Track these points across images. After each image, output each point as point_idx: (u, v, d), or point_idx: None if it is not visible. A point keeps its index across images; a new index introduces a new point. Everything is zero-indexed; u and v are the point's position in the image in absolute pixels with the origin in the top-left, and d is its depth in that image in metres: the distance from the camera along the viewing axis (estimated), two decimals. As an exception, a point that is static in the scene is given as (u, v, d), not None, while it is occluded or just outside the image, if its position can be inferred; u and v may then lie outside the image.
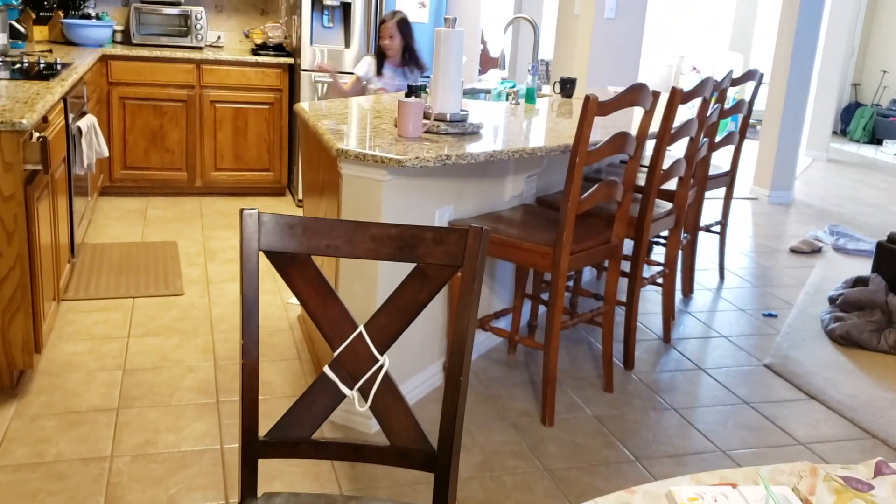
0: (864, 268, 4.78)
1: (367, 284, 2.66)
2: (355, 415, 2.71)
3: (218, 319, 3.53)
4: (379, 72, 4.53)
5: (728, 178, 4.39)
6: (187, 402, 2.82)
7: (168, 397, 2.83)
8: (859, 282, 4.08)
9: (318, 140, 2.85)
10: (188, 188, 5.42)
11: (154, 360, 3.10)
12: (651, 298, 4.15)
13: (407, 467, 1.51)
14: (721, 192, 4.49)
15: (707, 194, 4.22)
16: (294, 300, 3.78)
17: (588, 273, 4.39)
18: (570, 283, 3.74)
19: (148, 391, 2.87)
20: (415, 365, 2.95)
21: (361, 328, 1.53)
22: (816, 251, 5.21)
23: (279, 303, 3.75)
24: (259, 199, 5.52)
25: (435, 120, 2.90)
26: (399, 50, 4.49)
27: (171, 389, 2.89)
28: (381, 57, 4.55)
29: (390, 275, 2.63)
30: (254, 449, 1.51)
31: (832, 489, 1.08)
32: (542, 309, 3.71)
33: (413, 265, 1.51)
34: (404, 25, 4.49)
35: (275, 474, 2.42)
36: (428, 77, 5.29)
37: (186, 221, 4.89)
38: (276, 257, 1.51)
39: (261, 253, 1.49)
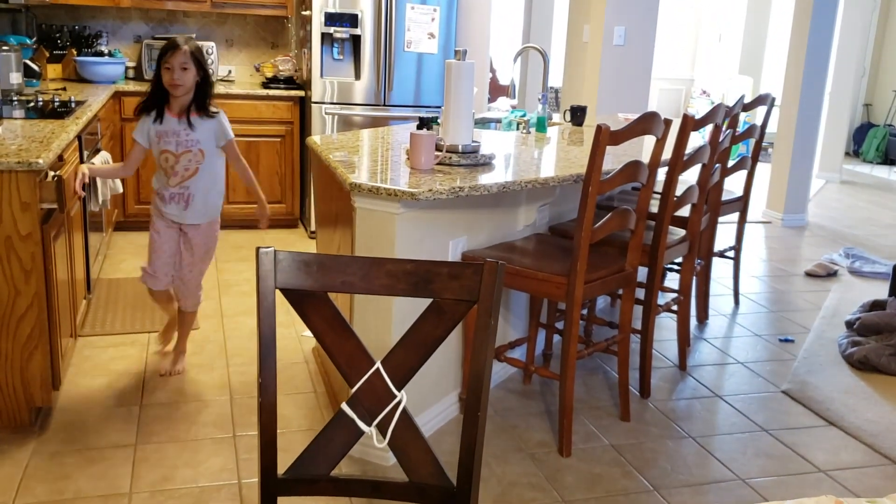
0: (880, 291, 4.74)
1: (381, 319, 2.67)
2: (372, 448, 2.70)
3: (233, 353, 3.54)
4: (158, 118, 3.07)
5: (741, 203, 4.38)
6: (204, 437, 2.82)
7: (185, 432, 2.83)
8: (876, 305, 4.06)
9: (331, 173, 2.87)
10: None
11: (170, 395, 3.11)
12: (666, 325, 4.13)
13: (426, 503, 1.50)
14: (734, 216, 4.49)
15: (720, 219, 4.22)
16: (308, 333, 3.78)
17: (602, 301, 4.38)
18: (585, 312, 3.74)
19: (165, 426, 2.87)
20: (430, 397, 2.94)
21: (378, 364, 1.54)
22: (832, 274, 5.18)
23: (293, 335, 3.76)
24: (271, 231, 5.54)
25: (447, 151, 2.92)
26: (191, 89, 3.04)
27: (188, 424, 2.89)
28: (162, 100, 3.07)
29: (405, 309, 2.64)
30: (273, 487, 1.51)
31: (857, 525, 1.07)
32: (556, 338, 3.69)
33: (429, 300, 1.52)
34: (201, 56, 3.07)
35: (292, 509, 2.41)
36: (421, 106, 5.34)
37: (201, 254, 4.91)
38: (292, 294, 1.52)
39: (277, 290, 1.50)
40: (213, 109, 3.12)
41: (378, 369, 1.54)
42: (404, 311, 2.64)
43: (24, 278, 2.62)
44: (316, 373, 3.40)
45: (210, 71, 3.12)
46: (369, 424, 1.53)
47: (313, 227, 5.36)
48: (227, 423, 2.92)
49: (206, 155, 3.12)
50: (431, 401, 2.95)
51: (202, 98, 3.09)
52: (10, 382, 2.69)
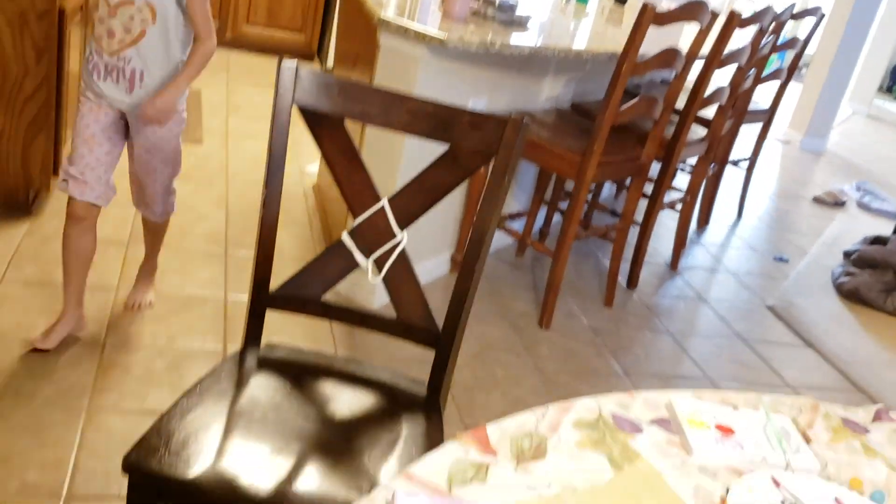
0: (884, 227, 4.74)
1: (391, 159, 2.63)
2: (360, 287, 2.74)
3: (234, 173, 3.52)
4: None
5: (767, 115, 4.29)
6: (196, 249, 2.83)
7: (178, 241, 2.84)
8: (878, 241, 4.05)
9: (359, 7, 2.77)
10: (217, 38, 5.31)
11: (167, 204, 3.10)
12: (665, 224, 4.13)
13: (411, 341, 1.52)
14: (754, 128, 4.40)
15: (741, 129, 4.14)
16: (312, 168, 3.76)
17: (607, 190, 4.35)
18: (589, 196, 3.72)
19: (158, 232, 2.88)
20: (423, 252, 2.95)
21: (385, 201, 1.52)
22: (839, 204, 5.15)
23: (296, 169, 3.73)
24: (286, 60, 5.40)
25: (484, 3, 2.81)
26: None
27: (182, 234, 2.90)
28: None
29: (415, 154, 2.60)
30: (264, 300, 1.52)
31: (830, 427, 1.09)
32: (556, 218, 3.69)
33: (444, 148, 1.49)
34: None
35: (273, 330, 2.44)
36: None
37: (212, 72, 4.81)
38: (308, 115, 1.48)
39: (294, 107, 1.46)
40: None
41: (383, 206, 1.52)
42: (414, 156, 2.60)
43: (36, 58, 2.55)
44: (314, 209, 3.39)
45: None
46: (367, 258, 1.53)
47: (330, 64, 5.23)
48: (221, 240, 2.94)
49: (157, 15, 1.99)
50: (423, 256, 2.96)
51: None
52: (10, 161, 2.67)
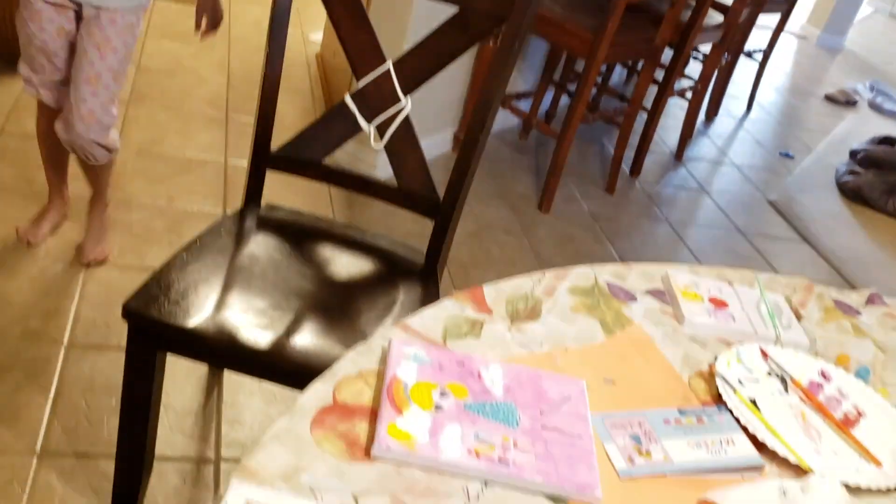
0: (895, 129, 4.67)
1: (398, 23, 2.56)
2: (361, 161, 2.72)
3: (236, 38, 3.43)
4: None
5: (786, 6, 4.16)
6: (197, 112, 2.80)
7: (179, 103, 2.81)
8: (886, 141, 4.01)
9: None
10: None
11: (168, 64, 3.04)
12: (673, 113, 4.07)
13: (411, 210, 1.52)
14: (772, 20, 4.27)
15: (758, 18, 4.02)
16: (315, 36, 3.67)
17: (617, 77, 4.27)
18: (599, 79, 3.64)
19: (159, 93, 2.84)
20: (425, 129, 2.89)
21: (390, 64, 1.49)
22: (851, 103, 5.07)
23: (299, 37, 3.64)
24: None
25: None
26: None
27: (183, 96, 2.86)
28: None
29: (425, 15, 2.52)
30: (264, 159, 1.51)
31: (822, 307, 1.10)
32: (563, 101, 3.63)
33: (454, 10, 1.44)
34: None
35: (271, 196, 2.44)
36: None
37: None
38: (316, -31, 1.43)
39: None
40: None
41: (388, 70, 1.49)
42: (422, 19, 2.53)
43: None
44: (316, 78, 3.33)
45: None
46: (370, 122, 1.51)
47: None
48: (222, 104, 2.89)
49: None
50: (425, 133, 2.91)
51: None
52: (7, 11, 2.60)
